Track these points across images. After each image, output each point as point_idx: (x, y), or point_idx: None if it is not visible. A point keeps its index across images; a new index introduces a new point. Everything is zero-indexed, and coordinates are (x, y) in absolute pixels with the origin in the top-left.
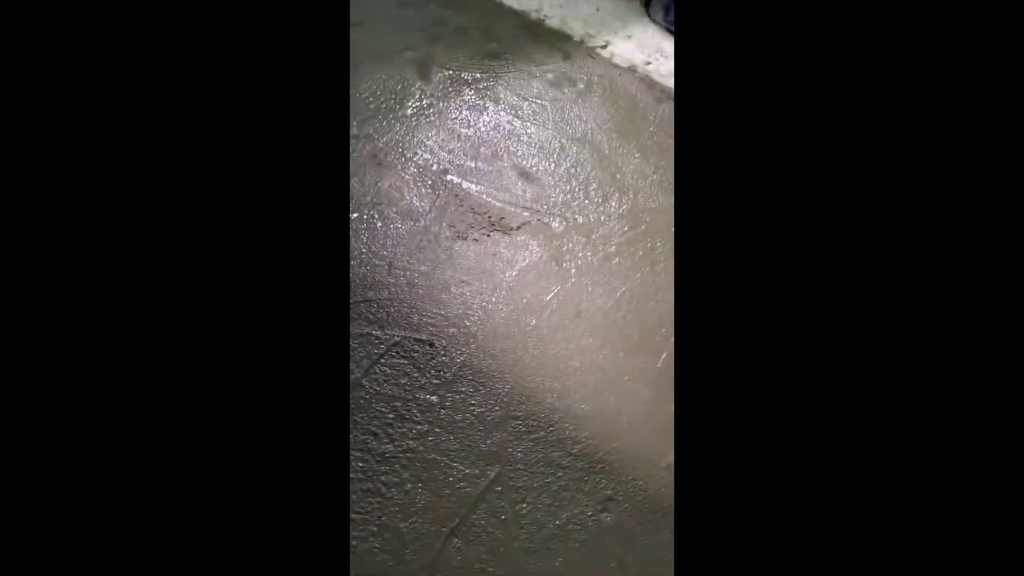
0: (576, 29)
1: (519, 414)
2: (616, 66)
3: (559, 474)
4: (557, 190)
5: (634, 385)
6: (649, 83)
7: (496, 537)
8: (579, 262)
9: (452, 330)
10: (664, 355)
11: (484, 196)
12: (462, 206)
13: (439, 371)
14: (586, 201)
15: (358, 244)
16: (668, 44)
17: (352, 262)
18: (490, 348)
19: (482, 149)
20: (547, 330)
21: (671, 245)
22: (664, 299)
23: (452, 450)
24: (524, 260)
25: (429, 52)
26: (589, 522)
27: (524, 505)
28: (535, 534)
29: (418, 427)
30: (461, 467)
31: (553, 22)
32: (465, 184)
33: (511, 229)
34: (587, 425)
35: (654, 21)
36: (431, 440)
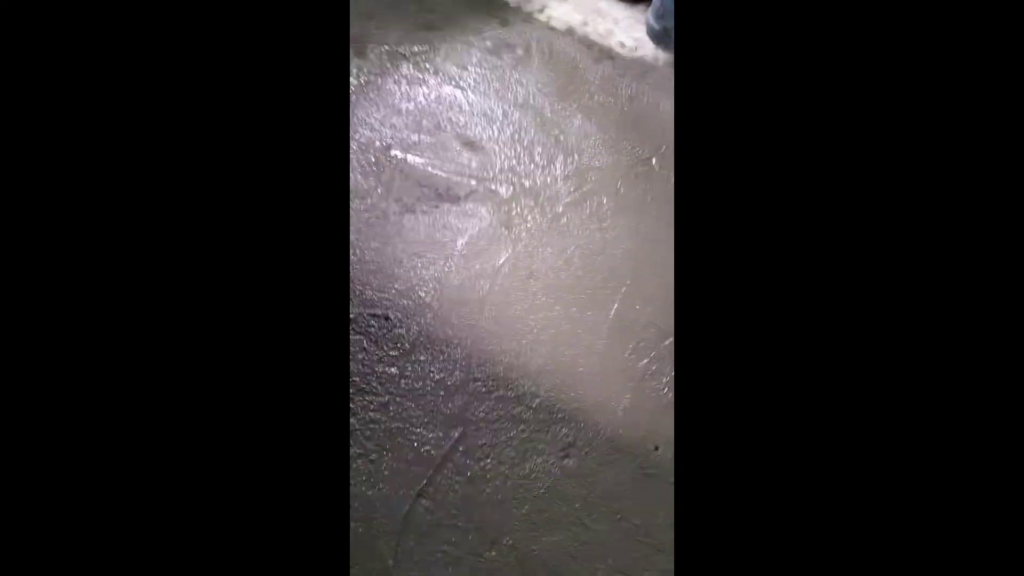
0: None
1: (479, 376)
2: (554, 29)
3: (521, 428)
4: (502, 156)
5: (588, 338)
6: (588, 44)
7: (463, 494)
8: (528, 225)
9: (406, 302)
10: (615, 307)
11: (430, 168)
12: (408, 180)
13: (396, 343)
14: (532, 165)
15: None
16: (604, 4)
17: None
18: (446, 316)
19: (424, 122)
20: (501, 293)
21: (617, 202)
22: (611, 254)
23: (414, 417)
24: (474, 228)
25: (363, 30)
26: (552, 469)
27: (488, 461)
28: (501, 486)
29: (379, 399)
30: (425, 432)
31: None
32: (410, 158)
33: (459, 199)
34: (545, 380)
35: None
36: (392, 410)
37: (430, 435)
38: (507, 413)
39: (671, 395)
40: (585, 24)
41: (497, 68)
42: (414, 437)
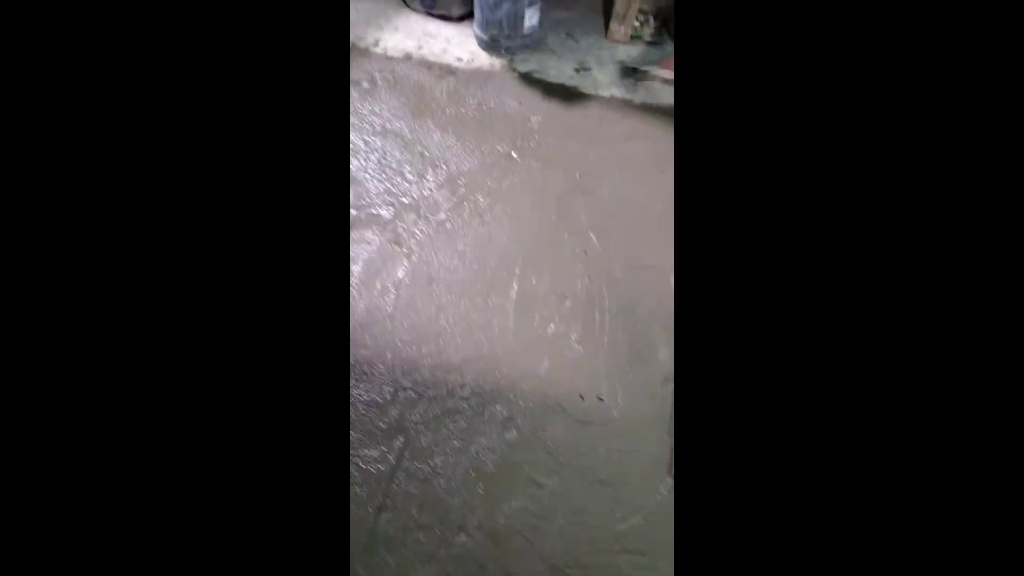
0: None
1: (407, 384)
2: (392, 58)
3: (458, 418)
4: (375, 182)
5: (497, 321)
6: (427, 65)
7: (420, 495)
8: (417, 236)
9: None
10: (515, 286)
11: None
12: None
13: None
14: (405, 183)
15: None
16: (432, 26)
17: None
18: (359, 339)
19: None
20: (408, 303)
21: (491, 196)
22: (499, 242)
23: (355, 441)
24: (366, 252)
25: None
26: (497, 445)
27: (436, 459)
28: (453, 476)
29: None
30: (368, 451)
31: None
32: None
33: None
34: (470, 368)
35: (414, 10)
36: None
37: (374, 453)
38: (443, 409)
39: (581, 348)
40: (420, 48)
41: (348, 104)
42: (359, 460)
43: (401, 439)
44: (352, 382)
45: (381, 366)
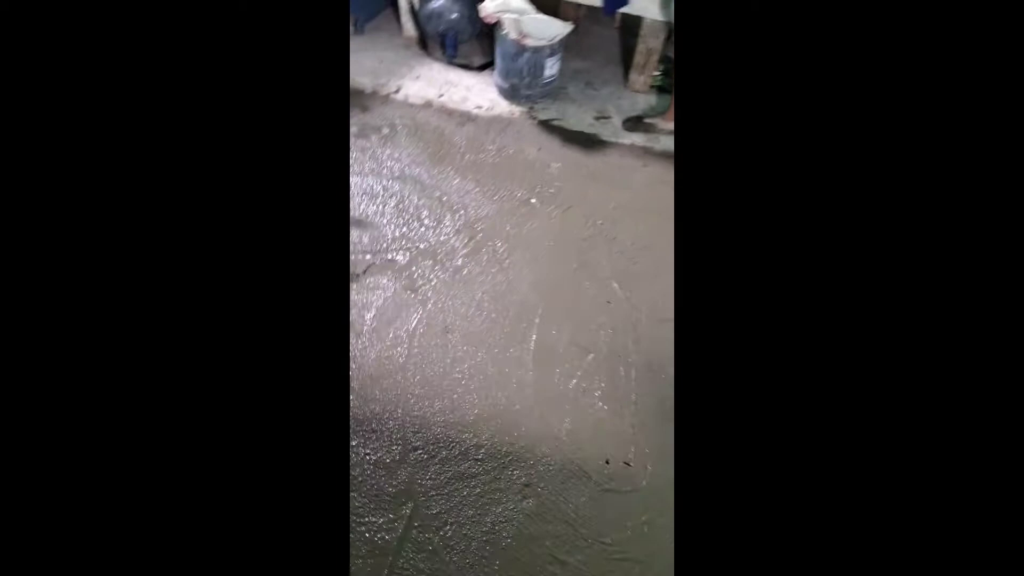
0: (366, 83)
1: (418, 444)
2: (413, 105)
3: (472, 483)
4: (392, 227)
5: (515, 374)
6: (447, 112)
7: (429, 570)
8: (433, 283)
9: None
10: (533, 337)
11: None
12: None
13: None
14: (422, 228)
15: None
16: (454, 75)
17: None
18: (368, 393)
19: None
20: (421, 355)
21: (510, 242)
22: (517, 290)
23: (359, 507)
24: (379, 299)
25: None
26: (514, 515)
27: (448, 528)
28: (467, 549)
29: None
30: (374, 519)
31: None
32: None
33: (357, 276)
34: (485, 427)
35: (436, 59)
36: None
37: (380, 520)
38: (455, 472)
39: (605, 407)
40: (441, 95)
41: (367, 149)
42: (364, 528)
43: (410, 506)
44: (360, 440)
45: (391, 422)
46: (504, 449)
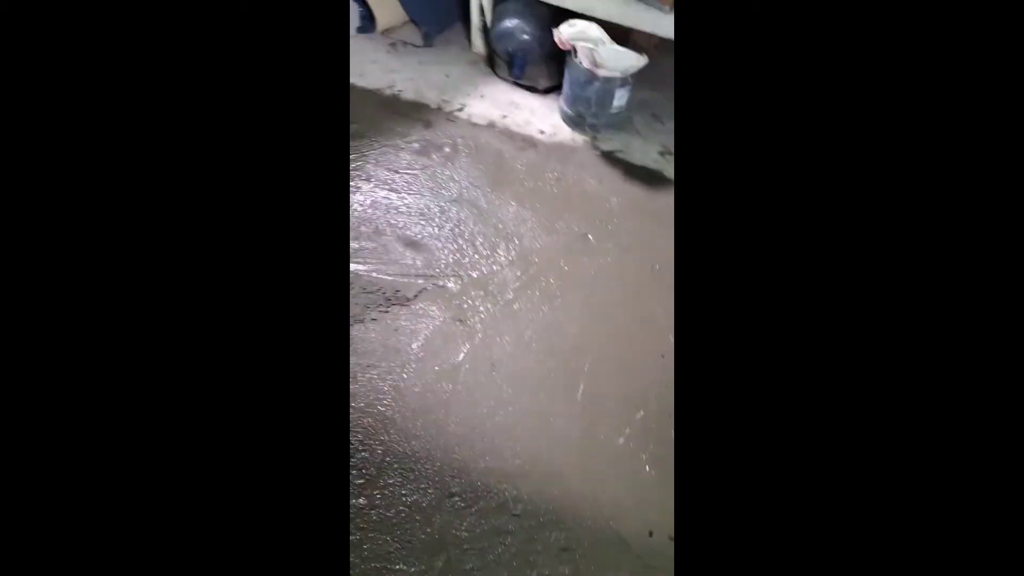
0: (431, 98)
1: (455, 490)
2: (476, 125)
3: (508, 540)
4: (446, 252)
5: (560, 424)
6: (509, 135)
7: None
8: (482, 315)
9: (367, 420)
10: (581, 386)
11: (374, 274)
12: (353, 288)
13: (361, 469)
14: (476, 256)
15: None
16: (519, 96)
17: None
18: (411, 428)
19: (363, 228)
20: (465, 392)
21: (563, 279)
22: (568, 332)
23: (391, 552)
24: (428, 328)
25: None
26: None
27: None
28: None
29: (350, 538)
30: (404, 567)
31: (408, 95)
32: (352, 266)
33: (408, 300)
34: (525, 480)
35: (502, 78)
36: (367, 549)
37: (411, 569)
38: (491, 527)
39: (653, 472)
40: (504, 117)
41: (428, 168)
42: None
43: (442, 557)
44: (398, 479)
45: (429, 465)
46: (543, 507)
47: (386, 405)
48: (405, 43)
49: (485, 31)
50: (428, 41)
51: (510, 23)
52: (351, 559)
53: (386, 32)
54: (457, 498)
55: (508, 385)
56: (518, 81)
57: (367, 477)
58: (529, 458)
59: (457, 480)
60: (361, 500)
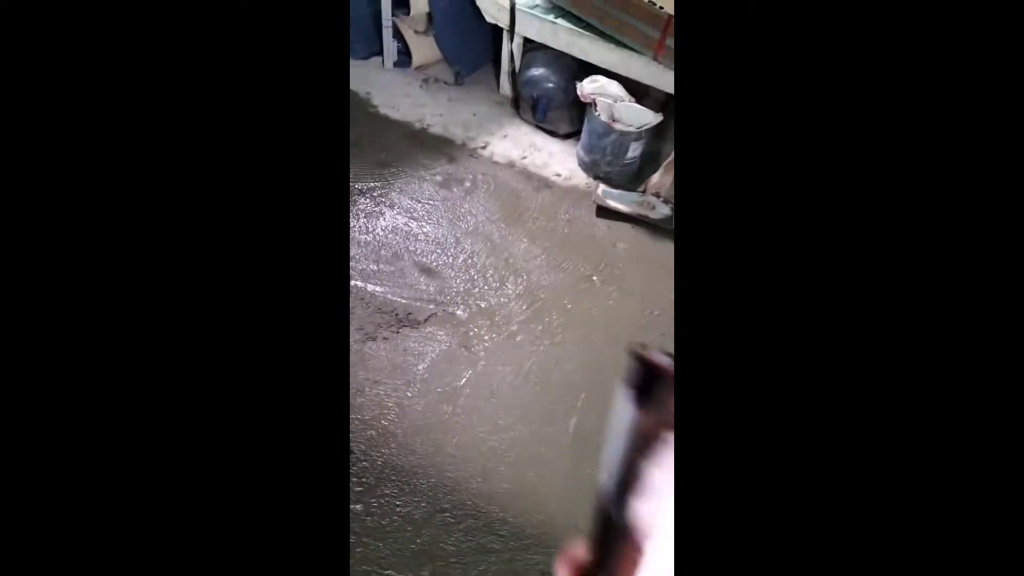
0: (457, 134)
1: (446, 506)
2: (496, 163)
3: (491, 559)
4: (458, 280)
5: (550, 454)
6: (527, 175)
7: None
8: (486, 344)
9: (370, 432)
10: (573, 420)
11: (389, 295)
12: (368, 307)
13: (360, 477)
14: (485, 287)
15: None
16: (539, 139)
17: None
18: (410, 444)
19: (383, 252)
20: (464, 415)
21: (566, 316)
22: (565, 368)
23: (383, 557)
24: (434, 351)
25: None
26: None
27: None
28: None
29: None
30: (393, 573)
31: (436, 129)
32: (369, 287)
33: (419, 323)
34: (513, 504)
35: (525, 120)
36: (360, 552)
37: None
38: (477, 544)
39: None
40: (524, 157)
41: (448, 200)
42: None
43: (429, 568)
44: (395, 489)
45: (424, 480)
46: (528, 531)
47: (389, 420)
48: (437, 80)
49: (513, 75)
50: (459, 80)
51: (537, 71)
52: None
53: (420, 68)
54: (447, 514)
55: (505, 412)
56: (540, 124)
57: (366, 485)
58: (519, 484)
59: (449, 497)
60: (358, 506)
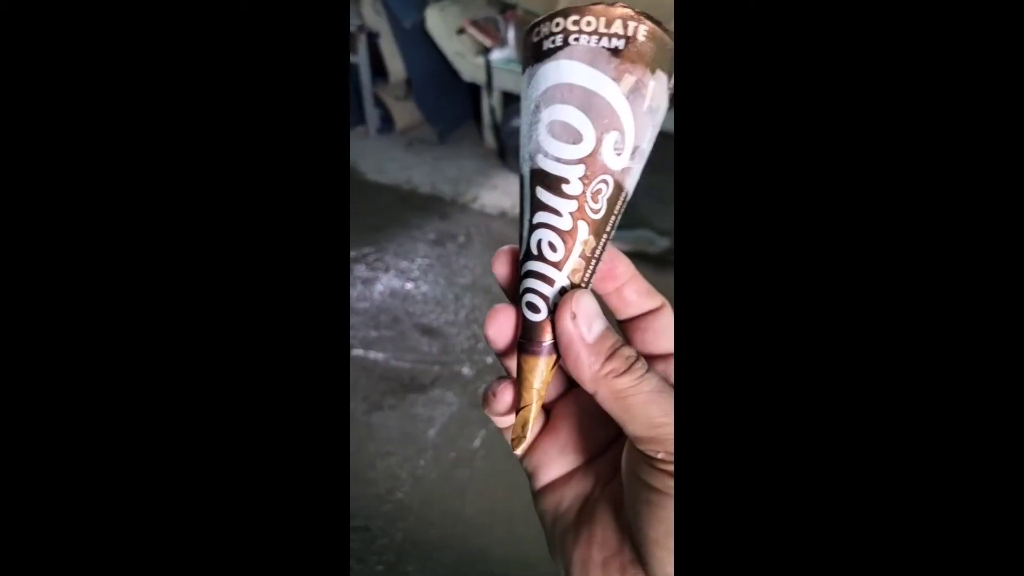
0: (446, 190)
1: None
2: (488, 214)
3: None
4: (461, 337)
5: None
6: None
7: None
8: None
9: (387, 507)
10: None
11: (392, 361)
12: (371, 376)
13: (381, 555)
14: None
15: None
16: None
17: None
18: (428, 516)
19: (382, 317)
20: (481, 479)
21: None
22: None
23: None
24: (444, 414)
25: None
26: None
27: None
28: None
29: None
30: None
31: (425, 188)
32: (371, 354)
33: (425, 387)
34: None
35: (512, 170)
36: None
37: None
38: None
39: None
40: (515, 206)
41: (443, 256)
42: None
43: None
44: (418, 567)
45: (447, 552)
46: None
47: (404, 492)
48: (422, 140)
49: (496, 128)
50: (443, 138)
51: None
52: None
53: (404, 131)
54: None
55: (520, 472)
56: None
57: (387, 564)
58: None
59: (475, 567)
60: None
